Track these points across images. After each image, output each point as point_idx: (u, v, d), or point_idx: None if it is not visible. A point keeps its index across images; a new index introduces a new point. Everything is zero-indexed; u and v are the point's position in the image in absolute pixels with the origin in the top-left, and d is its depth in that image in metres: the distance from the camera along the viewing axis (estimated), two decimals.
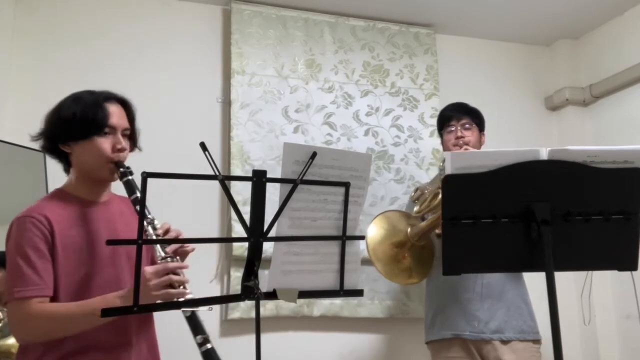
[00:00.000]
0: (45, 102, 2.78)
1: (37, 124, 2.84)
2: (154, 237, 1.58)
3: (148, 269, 1.49)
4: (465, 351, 2.31)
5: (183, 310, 1.51)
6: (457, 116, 2.48)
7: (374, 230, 2.40)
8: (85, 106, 1.65)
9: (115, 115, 1.67)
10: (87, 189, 1.70)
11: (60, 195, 1.71)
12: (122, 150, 1.66)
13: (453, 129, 2.47)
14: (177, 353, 1.91)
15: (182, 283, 1.52)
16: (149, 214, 1.62)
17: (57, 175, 2.55)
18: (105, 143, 1.64)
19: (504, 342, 2.26)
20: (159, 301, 1.48)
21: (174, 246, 1.61)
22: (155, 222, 1.62)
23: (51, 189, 2.54)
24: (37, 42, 2.90)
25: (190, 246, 1.67)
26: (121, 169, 1.65)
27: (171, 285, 1.50)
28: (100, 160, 1.65)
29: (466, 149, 2.38)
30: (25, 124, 2.73)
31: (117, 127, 1.67)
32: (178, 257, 1.61)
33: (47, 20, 2.94)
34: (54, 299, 1.57)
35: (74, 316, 1.52)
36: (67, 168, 1.74)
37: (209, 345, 1.50)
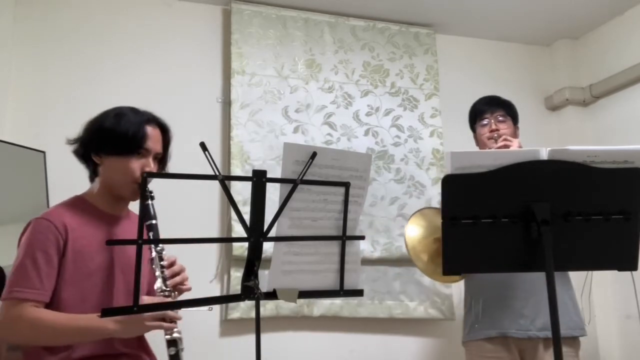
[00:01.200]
0: (45, 102, 2.82)
1: (37, 124, 2.86)
2: (159, 267, 1.61)
3: (147, 300, 1.53)
4: (507, 351, 2.24)
5: (169, 349, 1.56)
6: (490, 109, 2.43)
7: (414, 229, 2.32)
8: (127, 124, 1.67)
9: (153, 139, 1.70)
10: (107, 202, 1.73)
11: (79, 202, 1.72)
12: None
13: (486, 122, 2.42)
14: None
15: (175, 319, 1.57)
16: (159, 244, 1.65)
17: (57, 175, 2.57)
18: (135, 163, 1.66)
19: (549, 340, 2.15)
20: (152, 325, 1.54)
21: (174, 280, 1.64)
22: (164, 253, 1.65)
23: (51, 189, 2.57)
24: (36, 42, 2.90)
25: (187, 285, 1.69)
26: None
27: (164, 319, 1.55)
28: (126, 179, 1.67)
29: (506, 143, 2.31)
30: (25, 124, 2.77)
31: (152, 150, 1.70)
32: (176, 292, 1.64)
33: (47, 21, 2.94)
34: (57, 305, 1.57)
35: (60, 328, 1.53)
36: (92, 177, 1.76)
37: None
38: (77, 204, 1.72)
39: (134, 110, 1.73)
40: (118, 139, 1.65)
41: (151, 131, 1.70)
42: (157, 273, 1.60)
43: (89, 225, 1.66)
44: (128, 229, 1.73)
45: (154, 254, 1.62)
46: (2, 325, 1.55)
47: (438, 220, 2.36)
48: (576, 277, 2.76)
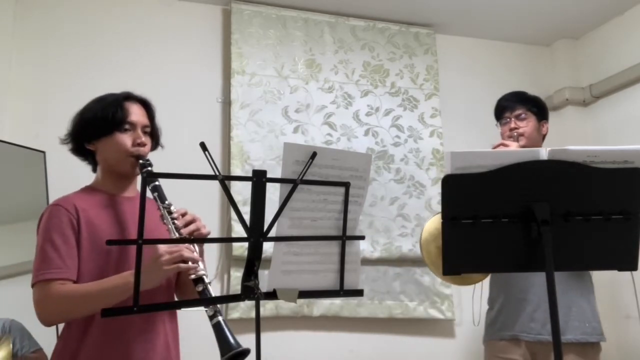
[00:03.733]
0: (45, 102, 2.82)
1: (37, 124, 2.86)
2: (170, 220, 1.63)
3: (161, 246, 1.54)
4: (519, 353, 2.22)
5: (196, 287, 1.57)
6: (510, 106, 2.39)
7: (432, 227, 2.21)
8: (106, 105, 1.73)
9: (135, 113, 1.75)
10: (113, 184, 1.77)
11: (88, 190, 1.79)
12: (142, 144, 1.73)
13: (507, 120, 2.38)
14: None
15: (194, 260, 1.58)
16: (166, 200, 1.67)
17: (57, 175, 2.57)
18: (125, 138, 1.71)
19: (562, 344, 2.17)
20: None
21: (189, 228, 1.66)
22: (172, 207, 1.67)
23: (51, 189, 2.57)
24: (36, 42, 2.90)
25: (205, 230, 1.72)
26: (141, 161, 1.71)
27: (183, 261, 1.55)
28: (121, 155, 1.71)
29: (504, 143, 2.28)
30: (25, 124, 2.77)
31: (137, 123, 1.74)
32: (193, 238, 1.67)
33: (47, 21, 2.94)
34: (80, 281, 1.61)
35: (92, 295, 1.56)
36: (94, 168, 1.82)
37: (220, 318, 1.54)
38: (86, 191, 1.78)
39: (112, 94, 1.79)
40: (103, 121, 1.71)
41: (132, 106, 1.75)
42: (170, 226, 1.61)
43: (98, 206, 1.71)
44: (132, 207, 1.75)
45: (162, 210, 1.64)
46: (37, 309, 1.61)
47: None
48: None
